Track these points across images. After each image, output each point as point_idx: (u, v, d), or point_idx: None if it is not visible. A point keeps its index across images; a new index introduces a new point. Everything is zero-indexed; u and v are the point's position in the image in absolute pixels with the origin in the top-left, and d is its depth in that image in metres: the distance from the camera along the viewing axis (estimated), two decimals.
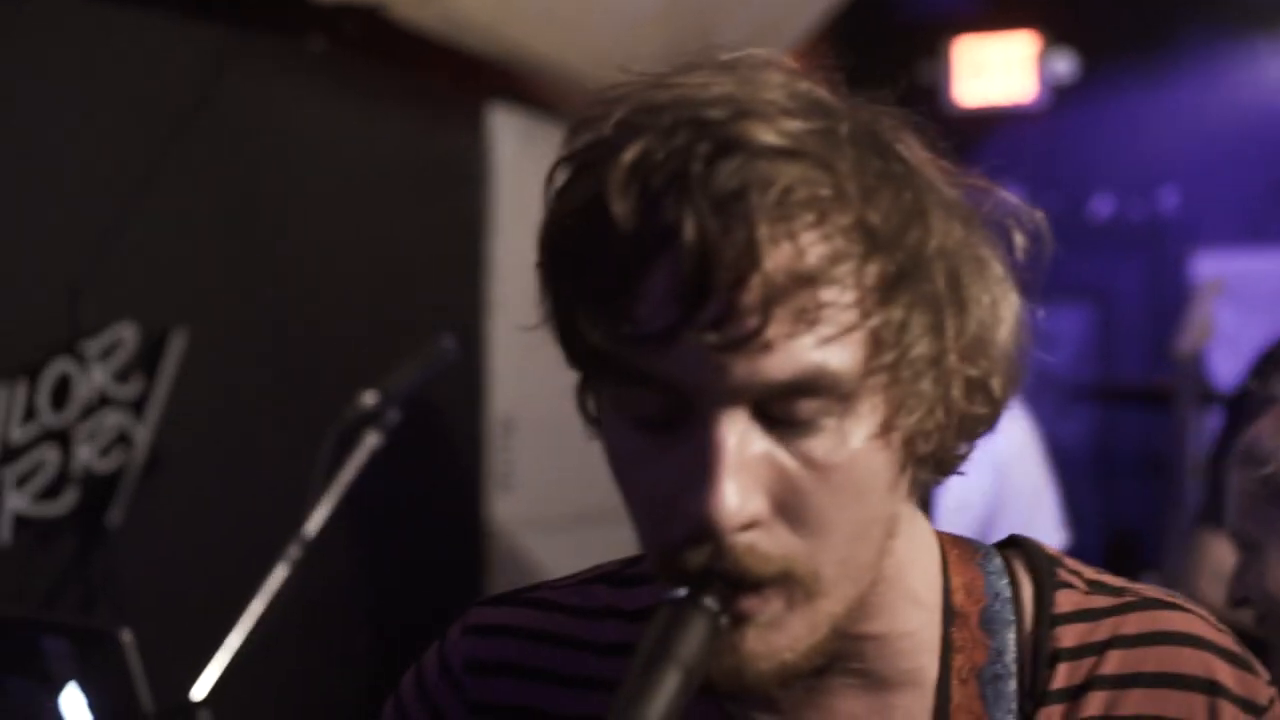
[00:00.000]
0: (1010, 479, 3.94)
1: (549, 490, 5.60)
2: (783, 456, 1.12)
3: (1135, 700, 1.28)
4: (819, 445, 1.12)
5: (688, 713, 1.11)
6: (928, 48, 8.15)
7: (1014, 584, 1.33)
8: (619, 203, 1.09)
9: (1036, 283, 1.26)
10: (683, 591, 1.11)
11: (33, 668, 3.15)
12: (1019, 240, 1.24)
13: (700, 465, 1.10)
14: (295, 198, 4.54)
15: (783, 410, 1.11)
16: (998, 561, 1.35)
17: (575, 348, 1.17)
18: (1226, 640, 1.32)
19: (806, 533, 1.13)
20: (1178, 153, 8.02)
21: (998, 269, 1.21)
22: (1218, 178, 7.92)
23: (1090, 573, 1.36)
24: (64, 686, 3.04)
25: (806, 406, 1.11)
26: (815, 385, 1.10)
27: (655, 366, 1.10)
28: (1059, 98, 8.05)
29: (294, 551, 2.80)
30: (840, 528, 1.14)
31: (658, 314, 1.09)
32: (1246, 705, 1.29)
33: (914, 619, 1.28)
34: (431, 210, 5.11)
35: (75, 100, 3.81)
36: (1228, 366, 7.08)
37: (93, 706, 3.00)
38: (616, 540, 5.78)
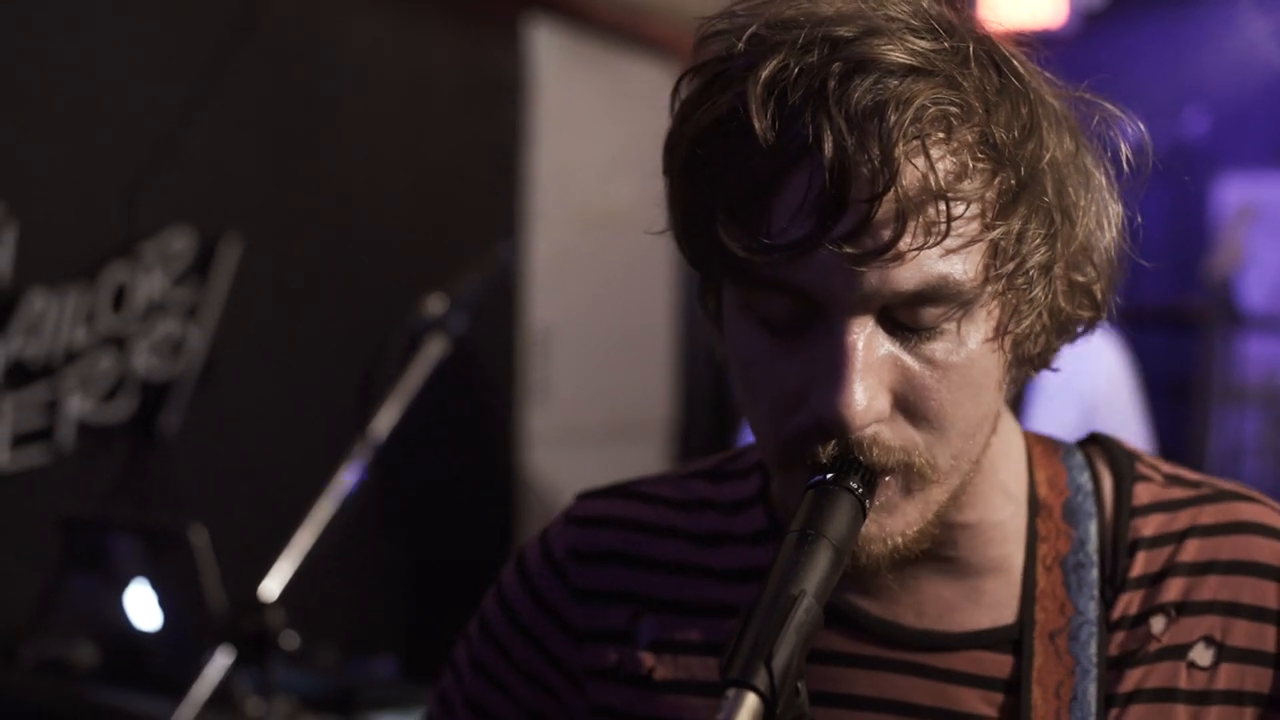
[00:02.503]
0: (1097, 414, 3.95)
1: (584, 402, 5.65)
2: (906, 358, 1.18)
3: (1211, 586, 1.34)
4: (939, 348, 1.18)
5: None
6: None
7: (1095, 478, 1.39)
8: (759, 117, 1.14)
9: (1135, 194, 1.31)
10: (829, 475, 1.17)
11: (99, 565, 3.21)
12: (1124, 151, 1.28)
13: (830, 366, 1.16)
14: (341, 110, 4.57)
15: (907, 316, 1.17)
16: (1079, 457, 1.40)
17: (708, 254, 1.21)
18: None
19: (926, 427, 1.20)
20: (1207, 77, 8.01)
21: (1100, 179, 1.26)
22: (1245, 102, 7.91)
23: (1167, 467, 1.41)
24: (129, 583, 3.10)
25: (930, 313, 1.17)
26: (939, 294, 1.15)
27: (789, 275, 1.16)
28: (1089, 21, 8.03)
29: (362, 453, 2.84)
30: (956, 424, 1.20)
31: (794, 225, 1.14)
32: None
33: (1003, 510, 1.35)
34: (472, 122, 5.14)
35: (132, 14, 3.85)
36: (1257, 291, 7.12)
37: (162, 603, 3.06)
38: (646, 454, 5.85)
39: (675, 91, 1.24)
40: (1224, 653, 1.32)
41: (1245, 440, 6.79)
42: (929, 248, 1.14)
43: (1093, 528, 1.36)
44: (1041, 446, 1.40)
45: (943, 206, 1.13)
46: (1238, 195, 7.33)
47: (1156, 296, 7.99)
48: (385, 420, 2.89)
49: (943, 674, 1.33)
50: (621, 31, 5.65)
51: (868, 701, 1.33)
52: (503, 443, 5.36)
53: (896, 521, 1.22)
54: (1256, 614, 1.33)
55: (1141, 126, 1.30)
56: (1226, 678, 1.32)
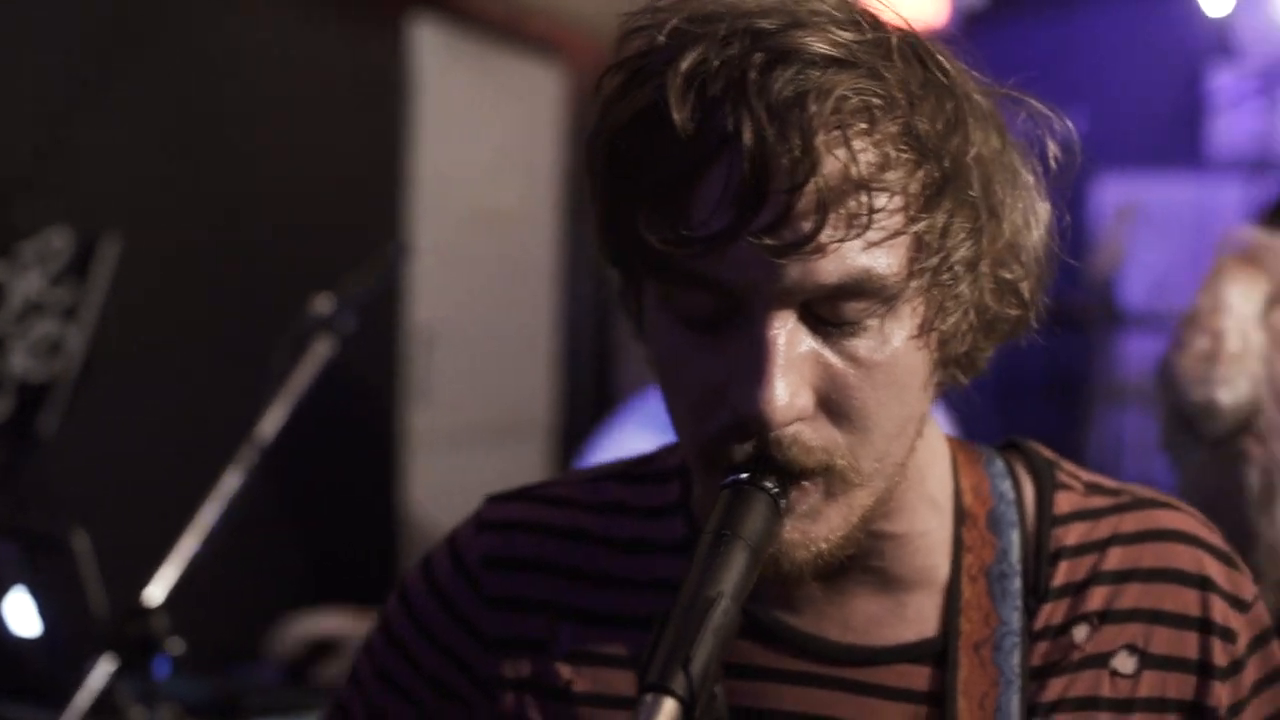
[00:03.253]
0: None
1: (467, 402, 5.62)
2: (828, 354, 1.16)
3: (1133, 594, 1.34)
4: (863, 344, 1.17)
5: None
6: None
7: (1016, 486, 1.38)
8: (678, 109, 1.12)
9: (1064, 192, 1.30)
10: (744, 475, 1.15)
11: None
12: (1051, 149, 1.28)
13: (751, 362, 1.14)
14: (224, 108, 4.52)
15: (829, 311, 1.15)
16: (1000, 464, 1.40)
17: (627, 249, 1.20)
18: (1216, 538, 1.39)
19: (849, 427, 1.18)
20: (1085, 78, 8.10)
21: (1028, 177, 1.26)
22: (1124, 103, 8.01)
23: (1087, 475, 1.41)
24: (7, 590, 3.04)
25: (852, 308, 1.15)
26: (862, 288, 1.14)
27: (709, 269, 1.14)
28: (970, 23, 8.10)
29: (248, 456, 2.80)
30: (880, 423, 1.19)
31: (714, 217, 1.12)
32: (1234, 601, 1.36)
33: (930, 520, 1.34)
34: (355, 120, 5.10)
35: (9, 12, 3.78)
36: (1137, 290, 7.22)
37: (41, 610, 3.00)
38: (528, 455, 5.83)
39: (598, 88, 1.22)
40: (1146, 660, 1.33)
41: (1125, 437, 6.89)
42: (850, 240, 1.12)
43: (1015, 537, 1.36)
44: (965, 453, 1.40)
45: (864, 198, 1.12)
46: (1116, 195, 7.43)
47: (1053, 279, 8.08)
48: (271, 422, 2.85)
49: (868, 688, 1.32)
50: (505, 29, 5.63)
51: (792, 717, 1.32)
52: (385, 444, 5.32)
53: (820, 527, 1.20)
54: (1178, 621, 1.34)
55: (1070, 125, 1.30)
56: (1149, 685, 1.33)
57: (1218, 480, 2.37)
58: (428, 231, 5.28)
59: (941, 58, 1.20)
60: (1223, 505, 2.32)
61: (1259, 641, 1.38)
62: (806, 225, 1.11)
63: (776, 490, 1.16)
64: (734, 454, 1.17)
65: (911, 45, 1.19)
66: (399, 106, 5.26)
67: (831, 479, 1.19)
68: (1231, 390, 2.29)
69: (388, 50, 5.26)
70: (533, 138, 5.78)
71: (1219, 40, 7.83)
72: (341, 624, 3.72)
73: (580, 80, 5.88)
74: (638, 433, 4.34)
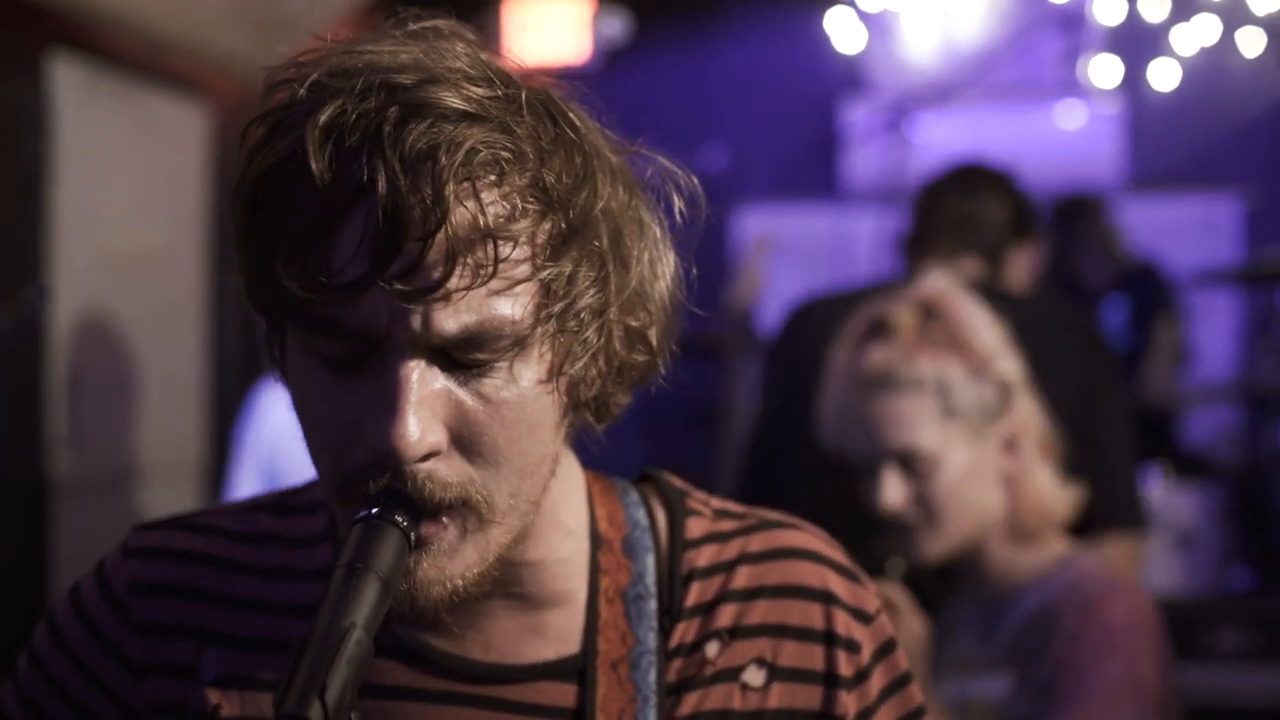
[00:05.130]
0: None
1: (114, 447, 5.50)
2: (460, 394, 1.23)
3: (761, 610, 1.43)
4: (493, 386, 1.23)
5: None
6: (476, 7, 8.24)
7: (650, 514, 1.47)
8: (316, 160, 1.18)
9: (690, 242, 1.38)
10: (375, 509, 1.21)
11: None
12: (677, 203, 1.36)
13: (384, 401, 1.20)
14: None
15: (461, 354, 1.21)
16: (635, 495, 1.48)
17: (268, 296, 1.24)
18: (838, 555, 1.49)
19: (482, 463, 1.24)
20: (724, 113, 8.33)
21: (656, 230, 1.34)
22: (761, 137, 8.25)
23: (716, 502, 1.50)
24: None
25: (481, 351, 1.22)
26: (490, 333, 1.21)
27: (345, 315, 1.20)
28: (611, 59, 8.25)
29: None
30: (512, 460, 1.25)
31: (350, 266, 1.18)
32: (857, 613, 1.46)
33: (566, 547, 1.41)
34: None
35: None
36: (776, 319, 7.43)
37: None
38: (179, 498, 5.73)
39: (243, 139, 1.26)
40: (775, 673, 1.42)
41: None
42: (478, 287, 1.19)
43: (650, 561, 1.43)
44: (600, 485, 1.47)
45: (492, 247, 1.19)
46: (754, 225, 7.64)
47: (681, 326, 8.25)
48: None
49: (510, 705, 1.38)
50: (146, 67, 5.53)
51: None
52: (32, 491, 5.17)
53: (456, 564, 1.26)
54: (804, 634, 1.43)
55: (695, 181, 1.38)
56: (778, 697, 1.42)
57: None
58: (69, 273, 5.16)
59: (573, 115, 1.28)
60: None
61: (883, 651, 1.48)
62: (436, 273, 1.18)
63: (407, 524, 1.21)
64: (369, 489, 1.22)
65: (543, 103, 1.26)
66: (37, 145, 5.13)
67: (467, 515, 1.26)
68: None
69: (22, 88, 5.12)
70: (176, 177, 5.69)
71: (851, 76, 8.13)
72: None
73: (224, 118, 5.82)
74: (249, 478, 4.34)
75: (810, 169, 8.17)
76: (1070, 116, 7.85)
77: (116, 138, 5.45)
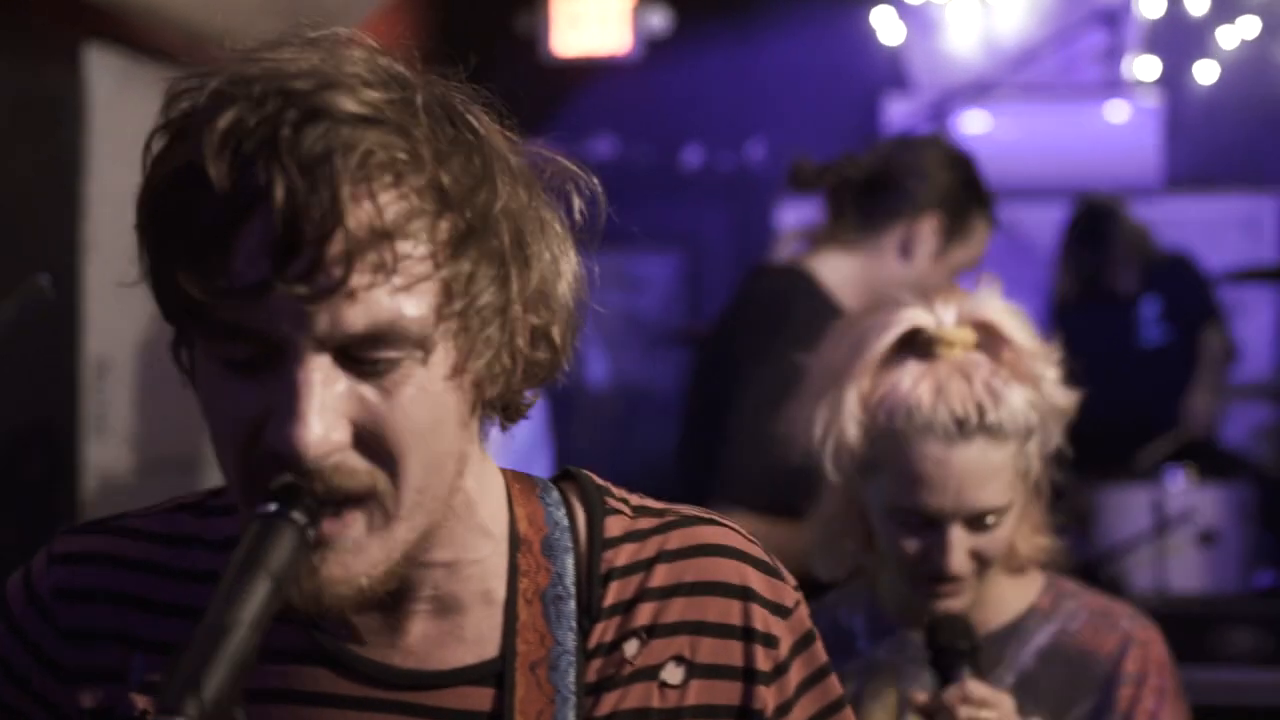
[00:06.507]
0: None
1: (144, 434, 5.56)
2: (364, 392, 1.24)
3: (679, 608, 1.43)
4: (396, 384, 1.24)
5: (278, 643, 1.25)
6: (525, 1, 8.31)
7: (570, 514, 1.47)
8: (214, 165, 1.20)
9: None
10: (272, 506, 1.22)
11: None
12: (577, 205, 1.38)
13: (287, 400, 1.22)
14: None
15: (363, 353, 1.23)
16: (555, 494, 1.48)
17: (173, 302, 1.26)
18: (757, 550, 1.49)
19: (386, 461, 1.26)
20: (765, 107, 8.33)
21: (558, 229, 1.36)
22: (802, 132, 8.24)
23: (636, 499, 1.50)
24: None
25: (384, 350, 1.23)
26: (391, 331, 1.23)
27: (248, 318, 1.22)
28: (653, 50, 8.27)
29: None
30: (417, 457, 1.27)
31: (251, 268, 1.20)
32: (775, 608, 1.46)
33: (483, 548, 1.41)
34: (28, 149, 5.02)
35: None
36: None
37: None
38: (206, 486, 5.75)
39: (147, 149, 1.28)
40: (693, 670, 1.42)
41: None
42: (378, 286, 1.21)
43: (570, 561, 1.44)
44: (520, 485, 1.47)
45: (390, 247, 1.21)
46: (796, 218, 7.62)
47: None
48: None
49: (430, 711, 1.39)
50: (180, 58, 5.57)
51: None
52: (64, 478, 5.24)
53: (361, 562, 1.27)
54: (722, 631, 1.44)
55: (596, 182, 1.40)
56: (697, 693, 1.42)
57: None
58: (102, 260, 5.22)
59: (472, 118, 1.30)
60: None
61: (801, 644, 1.49)
62: (336, 273, 1.19)
63: (304, 521, 1.22)
64: (271, 486, 1.23)
65: (442, 106, 1.28)
66: (72, 134, 5.20)
67: (372, 512, 1.27)
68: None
69: (60, 76, 5.19)
70: None
71: (894, 71, 8.12)
72: None
73: None
74: None
75: None
76: (1112, 113, 7.81)
77: (150, 127, 5.51)
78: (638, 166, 8.40)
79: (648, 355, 8.34)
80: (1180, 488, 5.72)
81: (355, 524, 1.27)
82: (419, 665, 1.40)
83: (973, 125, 7.78)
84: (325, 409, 1.22)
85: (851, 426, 2.27)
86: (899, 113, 7.82)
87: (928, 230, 3.45)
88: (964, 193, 3.48)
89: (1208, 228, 7.63)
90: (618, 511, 1.48)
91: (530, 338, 1.34)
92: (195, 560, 1.45)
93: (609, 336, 8.39)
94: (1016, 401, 2.23)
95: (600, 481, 1.51)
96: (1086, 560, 5.59)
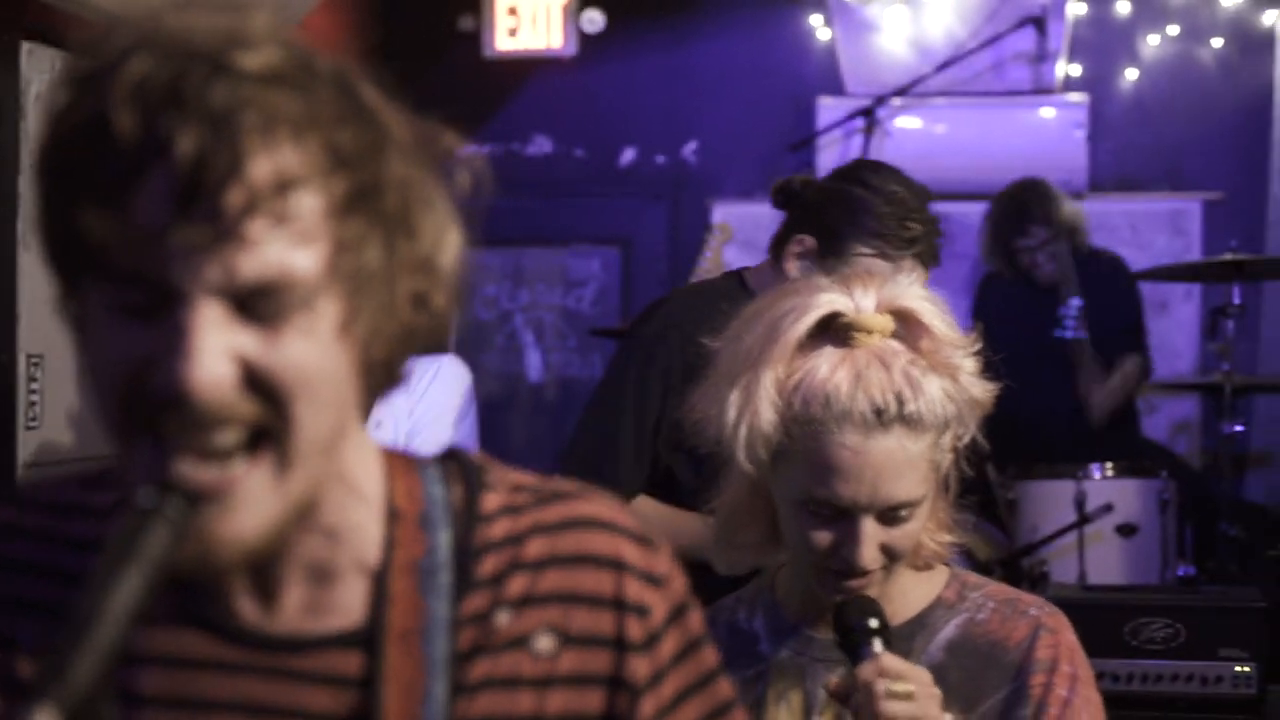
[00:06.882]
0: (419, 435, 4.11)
1: (79, 427, 5.58)
2: (254, 339, 1.30)
3: (552, 579, 1.48)
4: (286, 333, 1.30)
5: (152, 609, 1.27)
6: None
7: (448, 489, 1.52)
8: (120, 116, 1.26)
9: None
10: (148, 496, 1.27)
11: None
12: (462, 183, 1.45)
13: (178, 340, 1.27)
14: None
15: (256, 302, 1.29)
16: (434, 471, 1.53)
17: (68, 251, 1.33)
18: (629, 521, 1.54)
19: (276, 403, 1.31)
20: (699, 108, 8.39)
21: (444, 207, 1.42)
22: (736, 132, 8.32)
23: (514, 476, 1.56)
24: None
25: (276, 300, 1.30)
26: (284, 282, 1.29)
27: (145, 262, 1.28)
28: (591, 50, 8.33)
29: None
30: (306, 404, 1.32)
31: (151, 213, 1.27)
32: (648, 578, 1.51)
33: (360, 516, 1.46)
34: None
35: None
36: None
37: None
38: None
39: (50, 104, 1.34)
40: (566, 640, 1.47)
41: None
42: (272, 237, 1.27)
43: (445, 535, 1.48)
44: (400, 461, 1.52)
45: (286, 199, 1.27)
46: (726, 217, 7.71)
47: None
48: None
49: (298, 675, 1.43)
50: None
51: (222, 704, 1.43)
52: (2, 469, 5.25)
53: (248, 518, 1.32)
54: (594, 601, 1.48)
55: (484, 165, 1.47)
56: (569, 663, 1.47)
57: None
58: (37, 256, 5.23)
59: (368, 92, 1.37)
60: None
61: (675, 614, 1.53)
62: (234, 221, 1.26)
63: (184, 505, 1.27)
64: (162, 429, 1.29)
65: (338, 76, 1.35)
66: (8, 132, 5.22)
67: (260, 459, 1.32)
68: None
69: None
70: None
71: (826, 73, 8.20)
72: None
73: None
74: None
75: (784, 165, 8.24)
76: (1040, 115, 7.92)
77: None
78: (575, 165, 8.47)
79: (583, 350, 8.42)
80: (1100, 481, 5.81)
81: (248, 477, 1.31)
82: (292, 630, 1.44)
83: (903, 127, 7.88)
84: (215, 351, 1.27)
85: (767, 412, 2.19)
86: (831, 114, 7.89)
87: (802, 249, 3.65)
88: (844, 219, 3.62)
89: (1133, 228, 7.75)
90: (494, 487, 1.53)
91: (413, 304, 1.40)
92: (81, 529, 1.50)
93: (547, 331, 8.47)
94: (935, 392, 2.18)
95: (481, 460, 1.56)
96: (1008, 553, 5.70)
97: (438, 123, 1.44)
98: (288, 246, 1.29)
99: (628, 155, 8.46)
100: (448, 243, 1.42)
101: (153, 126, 1.26)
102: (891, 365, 2.18)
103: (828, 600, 2.28)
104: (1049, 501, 5.76)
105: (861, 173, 3.73)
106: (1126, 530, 5.76)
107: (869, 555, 2.21)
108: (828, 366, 2.18)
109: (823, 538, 2.23)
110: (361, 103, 1.35)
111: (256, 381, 1.30)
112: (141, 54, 1.28)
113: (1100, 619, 4.90)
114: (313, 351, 1.32)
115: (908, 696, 2.09)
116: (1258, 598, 4.97)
